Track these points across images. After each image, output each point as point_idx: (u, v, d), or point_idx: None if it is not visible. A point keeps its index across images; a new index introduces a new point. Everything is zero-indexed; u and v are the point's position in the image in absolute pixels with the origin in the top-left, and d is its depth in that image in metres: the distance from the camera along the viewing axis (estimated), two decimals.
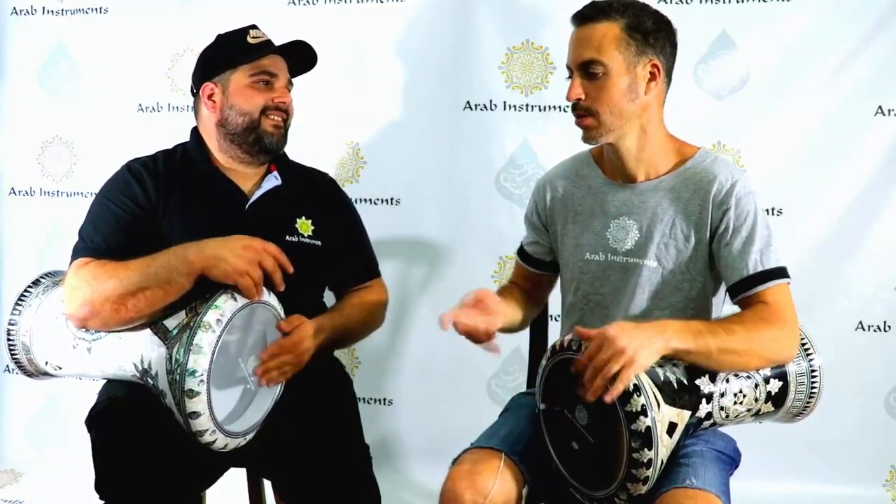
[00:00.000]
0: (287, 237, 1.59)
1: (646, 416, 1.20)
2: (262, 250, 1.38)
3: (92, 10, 2.44)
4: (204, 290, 1.35)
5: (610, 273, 1.47)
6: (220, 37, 1.67)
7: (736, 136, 2.18)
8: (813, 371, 1.44)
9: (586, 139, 1.45)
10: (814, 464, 2.19)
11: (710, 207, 1.40)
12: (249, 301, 1.35)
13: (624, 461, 1.22)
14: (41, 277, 1.54)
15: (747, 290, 1.37)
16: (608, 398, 1.19)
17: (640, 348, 1.20)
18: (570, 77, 1.44)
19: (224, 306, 1.31)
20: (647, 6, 1.42)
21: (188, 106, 2.34)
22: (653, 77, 1.40)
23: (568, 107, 2.32)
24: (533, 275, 1.66)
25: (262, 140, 1.59)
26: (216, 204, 1.58)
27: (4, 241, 2.56)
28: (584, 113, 1.42)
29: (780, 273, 1.39)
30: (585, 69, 1.40)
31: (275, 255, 1.39)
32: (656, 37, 1.40)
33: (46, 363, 1.49)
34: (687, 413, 1.28)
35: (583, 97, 1.41)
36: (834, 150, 2.14)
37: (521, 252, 1.67)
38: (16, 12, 2.49)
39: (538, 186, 1.62)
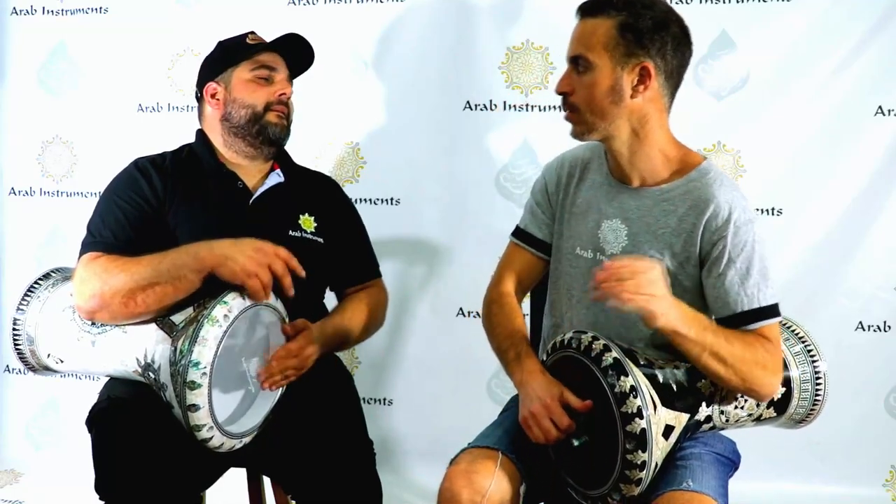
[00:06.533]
0: (290, 232, 1.60)
1: (641, 418, 1.20)
2: (273, 254, 1.38)
3: (92, 10, 2.44)
4: (213, 289, 1.36)
5: (596, 272, 1.45)
6: (220, 43, 1.71)
7: (736, 136, 2.17)
8: (818, 376, 1.43)
9: (573, 135, 1.43)
10: (814, 464, 2.19)
11: (702, 230, 1.34)
12: (257, 301, 1.36)
13: (618, 462, 1.22)
14: (52, 271, 1.54)
15: (739, 325, 1.33)
16: (609, 301, 1.22)
17: (663, 300, 1.22)
18: None
19: (232, 303, 1.32)
20: (654, 4, 1.36)
21: (188, 106, 2.36)
22: (642, 80, 1.34)
23: None
24: (534, 261, 1.55)
25: (266, 130, 1.62)
26: (221, 198, 1.60)
27: (4, 241, 2.56)
28: (569, 108, 1.40)
29: (774, 311, 1.34)
30: (575, 63, 1.38)
31: (286, 259, 1.39)
32: (653, 38, 1.33)
33: (49, 355, 1.49)
34: (685, 416, 1.28)
35: (569, 91, 1.38)
36: (834, 150, 2.14)
37: (525, 236, 1.55)
38: (16, 12, 2.49)
39: (550, 167, 1.56)
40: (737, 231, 1.33)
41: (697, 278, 1.38)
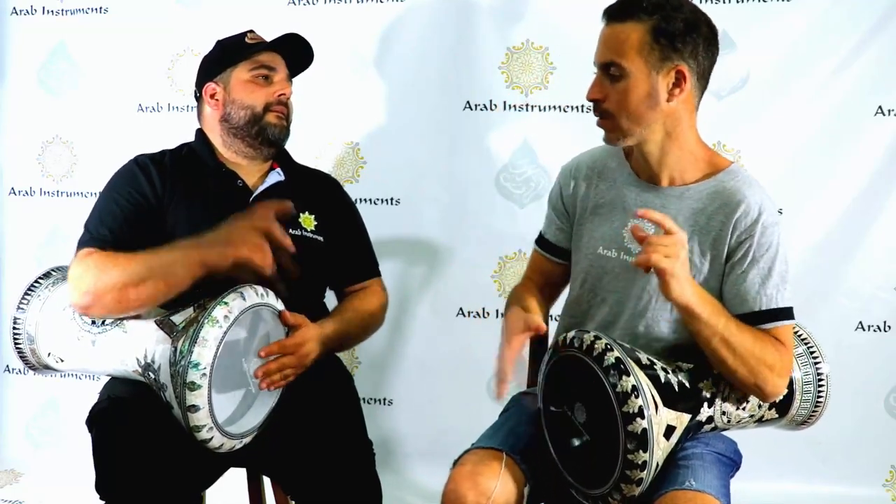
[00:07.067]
0: (290, 230, 1.59)
1: (642, 417, 1.20)
2: (252, 222, 1.39)
3: (92, 10, 2.44)
4: (213, 288, 1.36)
5: (620, 272, 1.43)
6: (219, 42, 1.71)
7: (736, 136, 2.17)
8: (820, 378, 1.43)
9: (606, 141, 1.41)
10: (814, 464, 2.19)
11: (731, 229, 1.35)
12: (259, 302, 1.36)
13: (619, 462, 1.22)
14: (52, 270, 1.54)
15: (754, 324, 1.33)
16: (635, 262, 1.23)
17: (680, 272, 1.21)
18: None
19: (233, 304, 1.32)
20: (682, 5, 1.33)
21: (188, 106, 2.36)
22: (677, 83, 1.32)
23: (568, 107, 2.30)
24: (551, 266, 1.57)
25: (266, 131, 1.62)
26: (220, 197, 1.59)
27: (4, 241, 2.56)
28: (602, 115, 1.38)
29: (789, 314, 1.35)
30: (606, 70, 1.34)
31: (267, 220, 1.40)
32: (685, 40, 1.31)
33: (49, 354, 1.49)
34: (686, 416, 1.28)
35: (601, 98, 1.36)
36: (834, 150, 2.14)
37: (542, 241, 1.59)
38: (16, 12, 2.49)
39: (565, 170, 1.56)
40: (764, 232, 1.33)
41: (722, 277, 1.38)
